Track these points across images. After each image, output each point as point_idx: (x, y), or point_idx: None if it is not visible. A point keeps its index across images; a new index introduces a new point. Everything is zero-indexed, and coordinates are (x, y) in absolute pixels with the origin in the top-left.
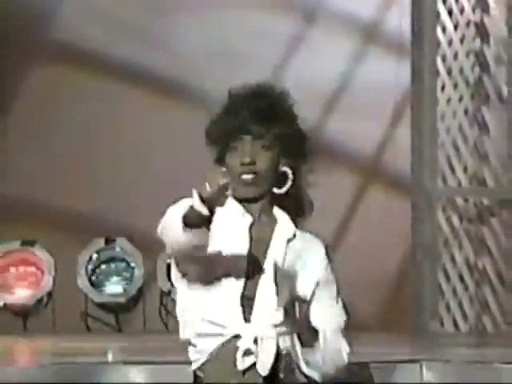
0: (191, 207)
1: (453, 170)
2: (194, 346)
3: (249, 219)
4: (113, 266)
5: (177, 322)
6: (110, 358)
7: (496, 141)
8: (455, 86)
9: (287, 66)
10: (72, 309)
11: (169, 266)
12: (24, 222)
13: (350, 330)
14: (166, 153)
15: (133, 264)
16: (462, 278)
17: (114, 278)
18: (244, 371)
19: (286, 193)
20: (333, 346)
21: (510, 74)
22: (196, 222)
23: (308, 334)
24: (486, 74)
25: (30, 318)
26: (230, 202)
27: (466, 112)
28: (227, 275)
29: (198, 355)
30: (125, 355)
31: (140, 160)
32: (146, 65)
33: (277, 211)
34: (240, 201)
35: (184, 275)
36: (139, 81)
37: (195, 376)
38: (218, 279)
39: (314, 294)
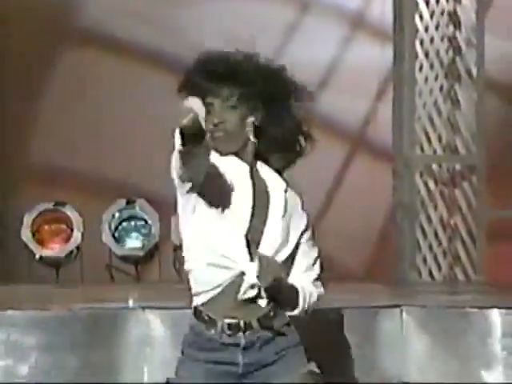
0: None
1: (429, 139)
2: (199, 277)
3: (246, 166)
4: (133, 223)
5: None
6: (130, 303)
7: (466, 114)
8: (431, 66)
9: (284, 50)
10: (97, 261)
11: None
12: (56, 185)
13: (339, 279)
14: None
15: (150, 222)
16: (436, 234)
17: (134, 234)
18: (245, 304)
19: (269, 148)
20: (309, 290)
21: (479, 55)
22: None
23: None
24: (458, 56)
25: (62, 269)
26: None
27: (440, 89)
28: (234, 214)
29: (204, 286)
30: (143, 301)
31: (158, 133)
32: (160, 49)
33: (262, 165)
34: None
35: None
36: (155, 61)
37: (197, 311)
38: (226, 214)
39: (298, 245)
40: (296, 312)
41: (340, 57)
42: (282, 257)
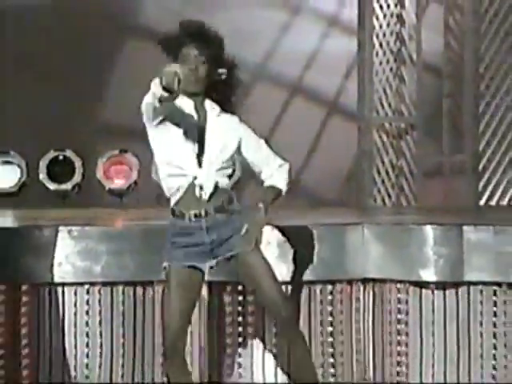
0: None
1: (383, 106)
2: (167, 185)
3: (192, 102)
4: None
5: None
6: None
7: (409, 88)
8: (384, 53)
9: (277, 42)
10: (149, 191)
11: None
12: (121, 137)
13: (317, 206)
14: None
15: None
16: (387, 173)
17: None
18: (200, 201)
19: (217, 91)
20: (281, 177)
21: (418, 46)
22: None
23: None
24: (403, 46)
25: (124, 198)
26: (181, 98)
27: (390, 70)
28: (184, 135)
29: (172, 191)
30: None
31: None
32: None
33: (208, 101)
34: (188, 96)
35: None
36: None
37: (172, 210)
38: (178, 136)
39: (239, 144)
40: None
41: (320, 47)
42: (225, 156)
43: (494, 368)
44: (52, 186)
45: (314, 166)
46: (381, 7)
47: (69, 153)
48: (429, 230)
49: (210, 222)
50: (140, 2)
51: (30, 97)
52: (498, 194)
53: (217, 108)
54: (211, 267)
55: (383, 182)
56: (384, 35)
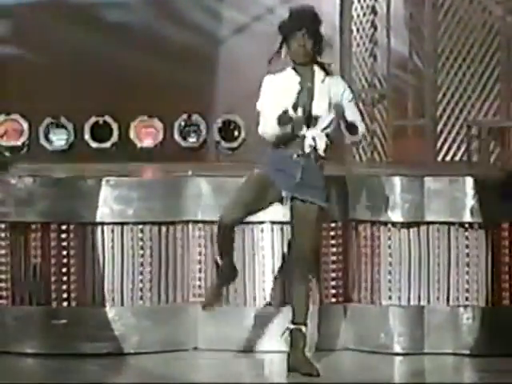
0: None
1: (360, 80)
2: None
3: (298, 76)
4: (191, 128)
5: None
6: (190, 173)
7: (381, 65)
8: (361, 37)
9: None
10: (171, 150)
11: None
12: (148, 101)
13: None
14: None
15: (201, 127)
16: (364, 135)
17: (192, 134)
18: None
19: (320, 56)
20: (360, 123)
21: (388, 32)
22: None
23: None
24: (375, 32)
25: (151, 154)
26: (287, 70)
27: (365, 51)
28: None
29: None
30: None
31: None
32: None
33: (316, 67)
34: (296, 65)
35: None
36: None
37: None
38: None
39: (343, 99)
40: (358, 138)
41: None
42: (330, 117)
43: (448, 291)
44: (94, 145)
45: None
46: (358, 1)
47: (107, 118)
48: (396, 180)
49: (306, 164)
50: None
51: (75, 74)
52: (452, 151)
53: (321, 73)
54: (292, 198)
55: (360, 141)
56: (361, 23)
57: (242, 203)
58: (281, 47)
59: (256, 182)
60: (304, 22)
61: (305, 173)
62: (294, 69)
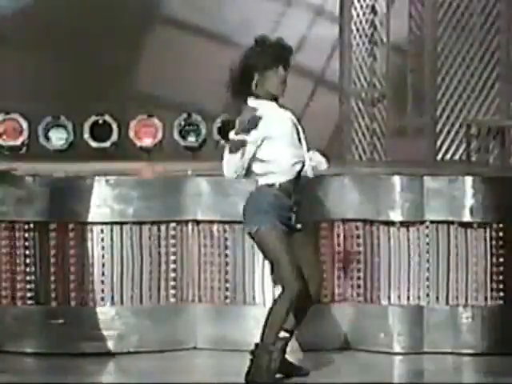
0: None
1: (359, 79)
2: (285, 170)
3: (281, 108)
4: (191, 127)
5: None
6: (189, 173)
7: (380, 65)
8: (360, 37)
9: (272, 28)
10: (173, 148)
11: None
12: (148, 104)
13: None
14: None
15: (201, 126)
16: (363, 134)
17: (191, 133)
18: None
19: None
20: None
21: (388, 32)
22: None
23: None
24: (375, 31)
25: (151, 154)
26: (267, 103)
27: (365, 50)
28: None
29: (288, 173)
30: (196, 172)
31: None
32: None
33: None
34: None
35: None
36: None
37: (279, 184)
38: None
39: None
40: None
41: (308, 33)
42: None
43: (447, 290)
44: (94, 144)
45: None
46: (358, 0)
47: (107, 117)
48: (396, 180)
49: (295, 198)
50: None
51: (75, 73)
52: (451, 151)
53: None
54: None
55: (360, 141)
56: (360, 22)
57: (294, 266)
58: (250, 81)
59: (281, 239)
60: (285, 56)
61: (295, 197)
62: (277, 104)
